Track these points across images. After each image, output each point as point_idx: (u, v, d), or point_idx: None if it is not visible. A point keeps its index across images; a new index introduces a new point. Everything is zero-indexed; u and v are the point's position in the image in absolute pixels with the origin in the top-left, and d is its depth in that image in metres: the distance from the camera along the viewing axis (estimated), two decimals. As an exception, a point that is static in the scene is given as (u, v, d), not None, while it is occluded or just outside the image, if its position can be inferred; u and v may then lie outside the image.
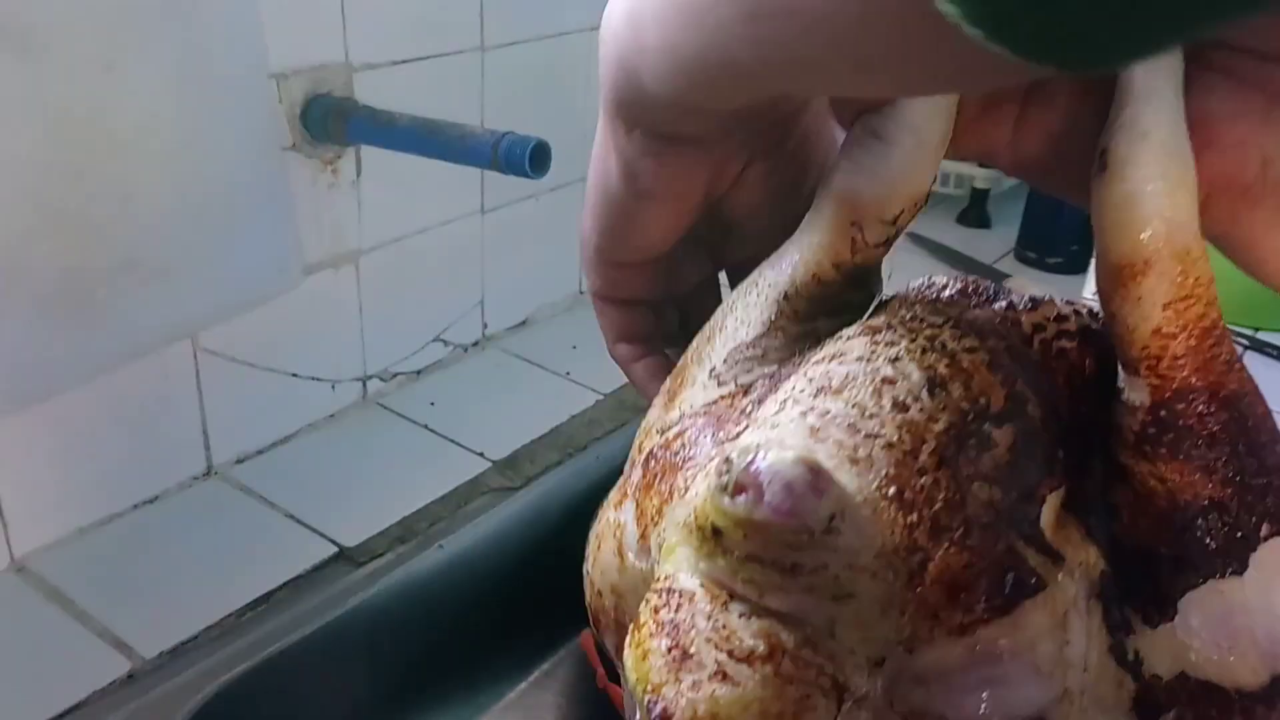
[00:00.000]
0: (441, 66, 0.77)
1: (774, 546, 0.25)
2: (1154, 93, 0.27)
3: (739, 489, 0.25)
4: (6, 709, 0.54)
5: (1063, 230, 1.08)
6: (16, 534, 0.62)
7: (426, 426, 0.79)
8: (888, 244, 0.32)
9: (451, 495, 0.71)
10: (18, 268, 0.54)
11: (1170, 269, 0.26)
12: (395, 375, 0.82)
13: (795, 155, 0.36)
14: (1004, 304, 0.32)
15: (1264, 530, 0.26)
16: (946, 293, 0.33)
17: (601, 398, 0.84)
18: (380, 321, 0.79)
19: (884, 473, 0.26)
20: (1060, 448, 0.28)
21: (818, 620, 0.25)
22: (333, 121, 0.67)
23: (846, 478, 0.25)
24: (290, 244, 0.67)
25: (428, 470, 0.74)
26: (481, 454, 0.76)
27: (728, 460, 0.25)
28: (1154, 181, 0.26)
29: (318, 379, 0.76)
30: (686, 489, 0.29)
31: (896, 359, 0.28)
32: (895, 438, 0.26)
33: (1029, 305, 0.32)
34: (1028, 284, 0.36)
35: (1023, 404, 0.28)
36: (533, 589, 0.73)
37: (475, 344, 0.89)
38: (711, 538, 0.26)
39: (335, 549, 0.66)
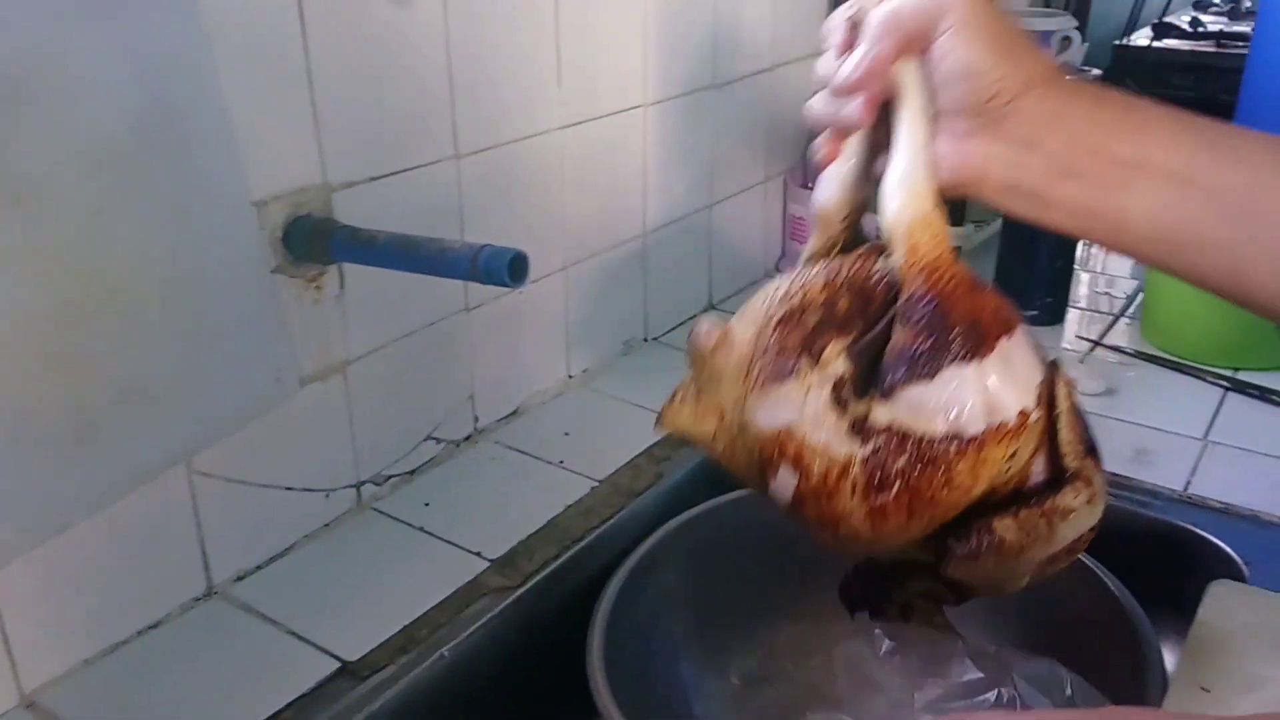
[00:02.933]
0: (418, 178, 0.79)
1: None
2: (902, 145, 0.49)
3: None
4: None
5: (1035, 283, 1.10)
6: (25, 669, 0.63)
7: (422, 529, 0.79)
8: None
9: (451, 600, 0.72)
10: (23, 409, 0.55)
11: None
12: (389, 478, 0.83)
13: None
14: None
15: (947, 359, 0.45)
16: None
17: (596, 484, 0.85)
18: (371, 426, 0.80)
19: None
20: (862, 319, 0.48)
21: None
22: (314, 242, 0.69)
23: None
24: (285, 356, 0.69)
25: (426, 574, 0.74)
26: (479, 553, 0.77)
27: None
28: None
29: (311, 489, 0.77)
30: None
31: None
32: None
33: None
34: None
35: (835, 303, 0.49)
36: (533, 688, 0.74)
37: (468, 438, 0.90)
38: None
39: (338, 664, 0.66)
